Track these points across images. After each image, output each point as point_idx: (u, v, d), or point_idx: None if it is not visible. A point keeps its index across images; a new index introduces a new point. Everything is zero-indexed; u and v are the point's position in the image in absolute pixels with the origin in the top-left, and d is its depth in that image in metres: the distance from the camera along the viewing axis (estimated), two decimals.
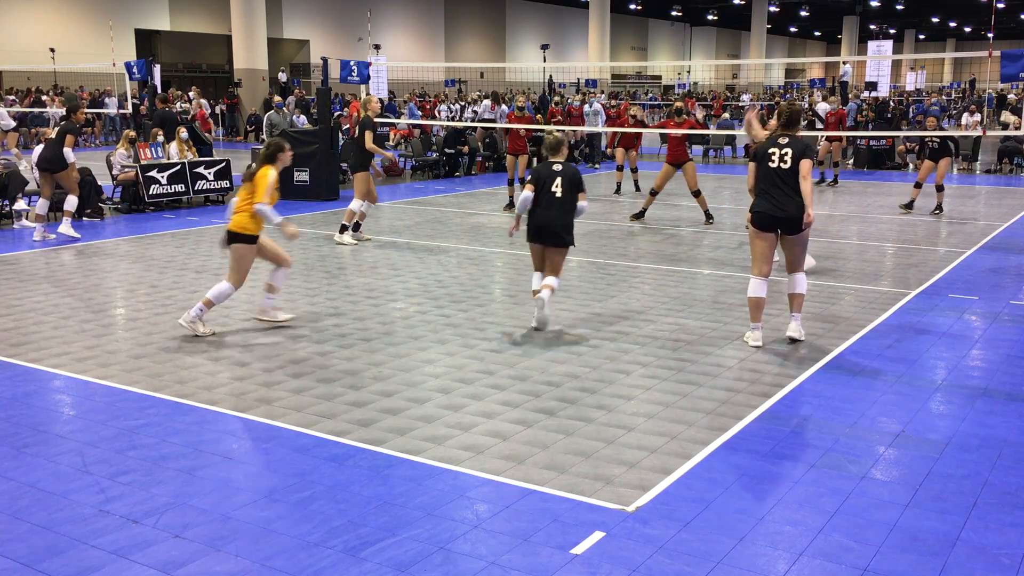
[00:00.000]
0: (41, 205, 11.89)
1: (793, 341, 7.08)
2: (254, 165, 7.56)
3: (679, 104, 14.03)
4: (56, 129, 11.62)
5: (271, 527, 4.16)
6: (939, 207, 14.32)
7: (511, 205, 14.72)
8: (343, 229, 11.56)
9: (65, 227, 11.87)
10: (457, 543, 4.01)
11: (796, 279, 7.08)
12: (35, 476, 4.72)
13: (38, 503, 4.42)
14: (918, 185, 14.66)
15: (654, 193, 13.60)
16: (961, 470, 4.80)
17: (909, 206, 14.54)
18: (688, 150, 13.76)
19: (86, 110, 28.05)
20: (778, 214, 6.88)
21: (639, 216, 13.74)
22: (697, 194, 13.34)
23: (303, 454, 4.98)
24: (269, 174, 7.41)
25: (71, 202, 11.94)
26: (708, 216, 13.51)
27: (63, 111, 12.87)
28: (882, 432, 5.32)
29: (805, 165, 6.86)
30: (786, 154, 6.92)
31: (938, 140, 14.56)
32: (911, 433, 5.31)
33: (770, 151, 7.00)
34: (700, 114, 13.69)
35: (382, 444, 5.09)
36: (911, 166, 22.02)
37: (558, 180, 7.44)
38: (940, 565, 3.86)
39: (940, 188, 14.43)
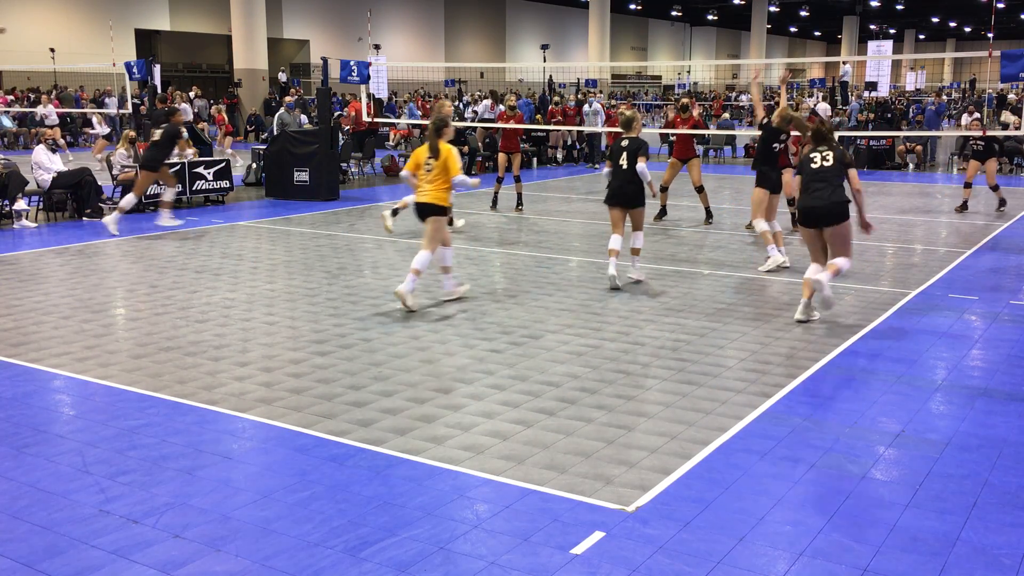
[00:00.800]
0: (169, 193, 13.04)
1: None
2: (425, 145, 8.30)
3: (685, 100, 14.05)
4: (160, 132, 12.52)
5: (271, 527, 4.16)
6: (1002, 202, 14.63)
7: (495, 204, 14.72)
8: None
9: (165, 219, 12.89)
10: (457, 543, 4.01)
11: (834, 263, 7.65)
12: (35, 476, 4.72)
13: (38, 503, 4.42)
14: (967, 185, 14.84)
15: (664, 189, 13.59)
16: (961, 470, 4.80)
17: (963, 207, 14.62)
18: (695, 147, 13.78)
19: (86, 110, 28.20)
20: (815, 203, 7.57)
21: (661, 215, 13.66)
22: (700, 190, 13.43)
23: (303, 454, 4.98)
24: (452, 149, 8.17)
25: (170, 194, 12.97)
26: (708, 214, 13.55)
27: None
28: (882, 432, 5.32)
29: (852, 174, 7.68)
30: (827, 156, 7.68)
31: (982, 142, 14.71)
32: (911, 433, 5.31)
33: (811, 156, 7.79)
34: (696, 111, 13.75)
35: (382, 444, 5.09)
36: (911, 166, 22.03)
37: (624, 154, 8.82)
38: (940, 565, 3.86)
39: (995, 188, 14.68)
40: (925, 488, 4.59)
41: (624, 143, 8.91)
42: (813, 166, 7.67)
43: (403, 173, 8.52)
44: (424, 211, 8.17)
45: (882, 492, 4.54)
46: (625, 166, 8.79)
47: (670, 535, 4.08)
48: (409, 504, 4.38)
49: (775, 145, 10.24)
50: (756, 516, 4.27)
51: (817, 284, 7.47)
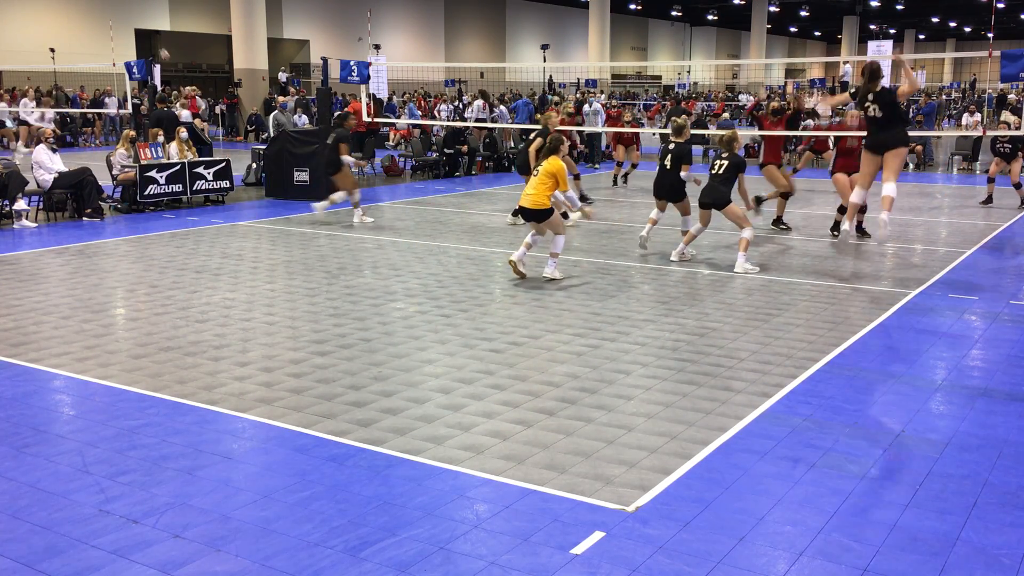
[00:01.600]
0: (340, 195, 13.39)
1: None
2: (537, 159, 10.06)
3: (776, 104, 13.38)
4: (332, 137, 13.23)
5: (271, 527, 4.17)
6: None
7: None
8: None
9: (320, 209, 13.42)
10: (457, 543, 4.01)
11: (886, 187, 9.26)
12: (35, 476, 4.72)
13: (38, 503, 4.42)
14: (991, 180, 15.44)
15: (786, 196, 12.65)
16: (961, 470, 4.80)
17: (988, 200, 15.21)
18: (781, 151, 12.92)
19: (85, 110, 28.20)
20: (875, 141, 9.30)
21: (779, 223, 12.72)
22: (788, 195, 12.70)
23: (303, 454, 4.98)
24: (561, 166, 9.37)
25: (340, 195, 13.36)
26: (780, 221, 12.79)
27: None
28: (882, 432, 5.32)
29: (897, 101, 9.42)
30: (875, 107, 9.20)
31: (1009, 144, 15.00)
32: (911, 433, 5.31)
33: (866, 105, 9.28)
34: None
35: (382, 444, 5.09)
36: (911, 166, 22.02)
37: (669, 156, 10.48)
38: (940, 565, 3.86)
39: (1018, 186, 15.12)
40: (925, 488, 4.59)
41: (671, 146, 10.52)
42: (869, 114, 9.32)
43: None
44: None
45: (882, 492, 4.54)
46: (668, 166, 10.44)
47: (670, 535, 4.09)
48: (409, 504, 4.38)
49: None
50: (756, 516, 4.27)
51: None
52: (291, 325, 7.61)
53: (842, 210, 11.95)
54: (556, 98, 24.64)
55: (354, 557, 3.90)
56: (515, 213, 13.20)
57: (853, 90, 10.47)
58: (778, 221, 12.72)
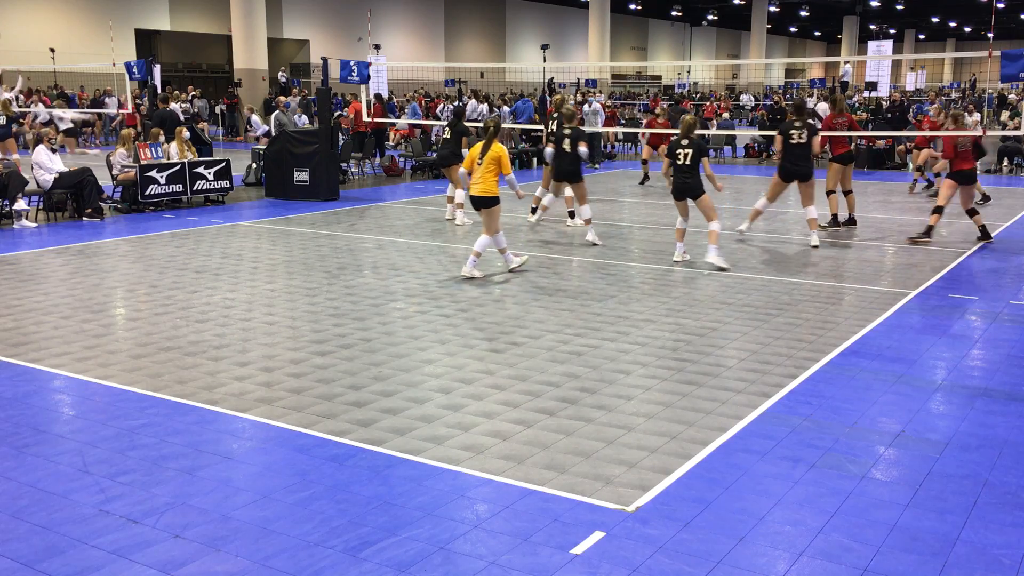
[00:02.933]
0: (459, 195, 13.19)
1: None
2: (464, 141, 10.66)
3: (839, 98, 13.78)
4: (449, 131, 13.38)
5: (271, 527, 4.17)
6: None
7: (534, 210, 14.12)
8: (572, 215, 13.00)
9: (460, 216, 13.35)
10: (457, 543, 4.01)
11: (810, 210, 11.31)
12: (35, 476, 4.72)
13: (38, 503, 4.42)
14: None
15: (848, 193, 12.93)
16: (961, 470, 4.80)
17: (985, 198, 15.51)
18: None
19: (86, 110, 28.20)
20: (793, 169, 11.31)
21: (847, 222, 12.95)
22: (849, 192, 12.95)
23: (303, 454, 4.98)
24: (504, 149, 9.40)
25: (460, 195, 13.17)
26: (836, 221, 12.85)
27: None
28: (882, 432, 5.32)
29: (816, 141, 11.43)
30: (803, 133, 11.19)
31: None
32: (911, 433, 5.31)
33: (791, 132, 11.20)
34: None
35: (382, 444, 5.09)
36: (910, 166, 22.01)
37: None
38: (940, 565, 3.86)
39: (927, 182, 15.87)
40: (925, 488, 4.59)
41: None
42: (792, 141, 11.17)
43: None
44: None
45: (882, 492, 4.54)
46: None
47: (670, 535, 4.09)
48: (409, 504, 4.38)
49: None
50: (756, 516, 4.27)
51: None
52: (291, 325, 7.61)
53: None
54: (557, 97, 24.61)
55: (354, 557, 3.90)
56: (533, 211, 13.45)
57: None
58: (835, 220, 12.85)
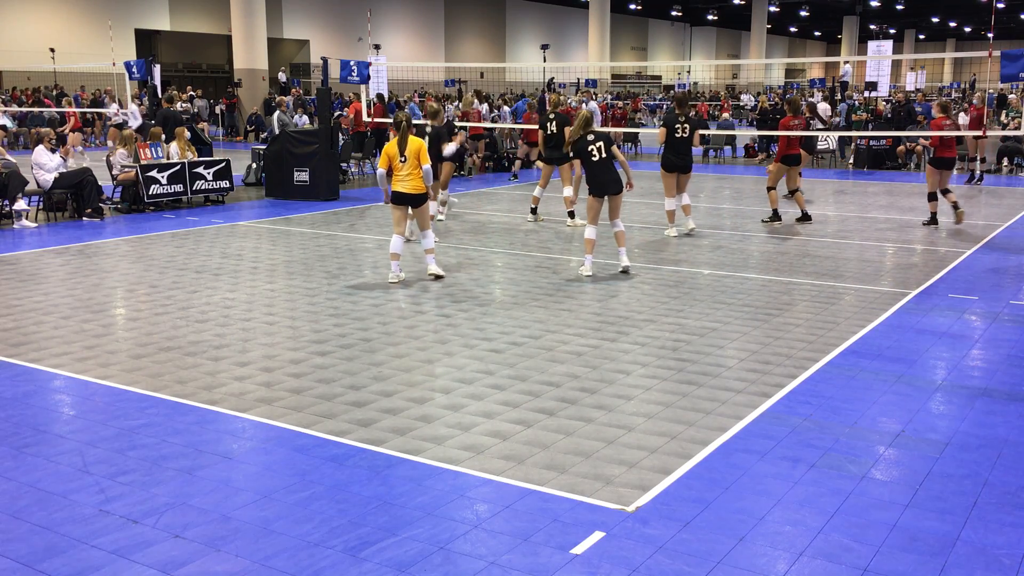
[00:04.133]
0: (568, 191, 13.09)
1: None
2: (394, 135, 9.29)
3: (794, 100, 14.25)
4: (554, 126, 12.93)
5: (271, 527, 4.17)
6: None
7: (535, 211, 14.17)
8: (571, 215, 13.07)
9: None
10: (457, 543, 4.01)
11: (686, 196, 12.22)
12: (35, 476, 4.72)
13: (38, 503, 4.42)
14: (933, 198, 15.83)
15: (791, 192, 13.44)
16: (961, 470, 4.80)
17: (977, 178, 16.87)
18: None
19: (86, 110, 28.19)
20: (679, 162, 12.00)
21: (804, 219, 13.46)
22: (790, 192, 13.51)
23: (303, 454, 4.98)
24: (423, 143, 9.17)
25: (569, 191, 13.11)
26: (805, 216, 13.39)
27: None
28: (882, 432, 5.32)
29: (696, 136, 12.10)
30: (686, 127, 11.81)
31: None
32: (911, 433, 5.32)
33: (675, 125, 11.82)
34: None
35: (382, 444, 5.09)
36: (911, 166, 22.02)
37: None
38: (940, 565, 3.86)
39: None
40: (925, 488, 4.59)
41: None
42: (676, 135, 11.82)
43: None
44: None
45: (882, 492, 4.54)
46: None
47: (670, 535, 4.09)
48: (409, 504, 4.38)
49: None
50: (756, 516, 4.27)
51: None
52: (291, 325, 7.61)
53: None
54: (555, 96, 24.60)
55: (354, 557, 3.90)
56: (533, 211, 13.48)
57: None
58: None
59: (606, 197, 9.54)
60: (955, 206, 13.05)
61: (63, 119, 25.33)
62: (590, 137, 9.50)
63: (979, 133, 17.00)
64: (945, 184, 13.14)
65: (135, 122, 19.62)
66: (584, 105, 22.93)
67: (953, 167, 13.35)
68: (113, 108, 24.18)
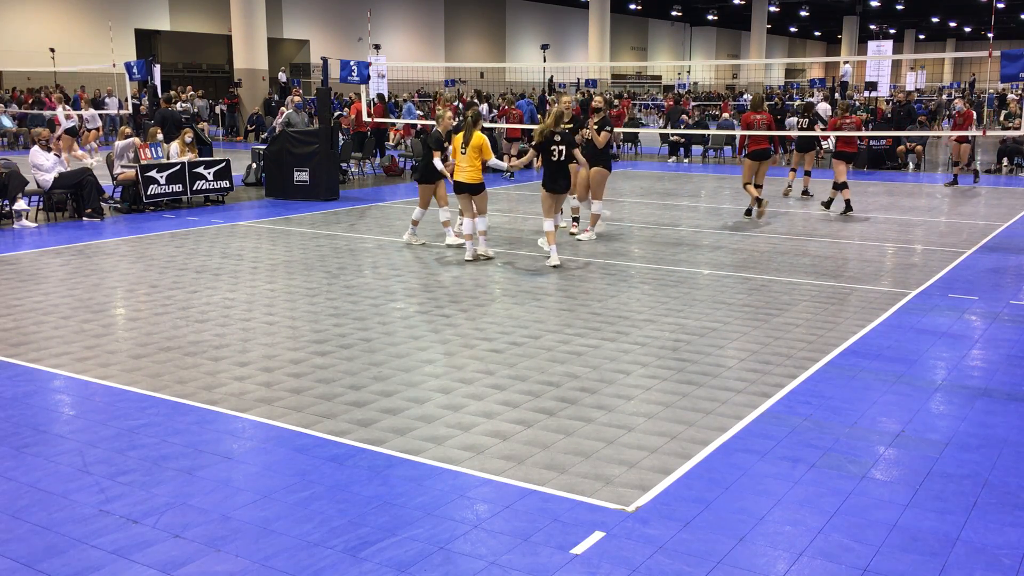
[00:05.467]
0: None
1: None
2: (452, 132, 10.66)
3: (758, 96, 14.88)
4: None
5: (271, 527, 4.17)
6: None
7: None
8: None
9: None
10: (457, 543, 4.01)
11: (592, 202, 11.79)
12: (35, 476, 4.72)
13: (38, 503, 4.42)
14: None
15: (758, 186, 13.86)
16: (961, 470, 4.80)
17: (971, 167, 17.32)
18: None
19: (87, 110, 28.17)
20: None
21: (749, 212, 14.05)
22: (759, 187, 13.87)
23: (303, 454, 4.98)
24: (485, 137, 10.21)
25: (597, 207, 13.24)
26: (759, 203, 13.71)
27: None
28: (882, 432, 5.32)
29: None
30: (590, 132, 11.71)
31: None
32: (911, 433, 5.32)
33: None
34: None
35: (382, 444, 5.09)
36: (911, 166, 22.02)
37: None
38: (940, 565, 3.86)
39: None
40: (925, 488, 4.59)
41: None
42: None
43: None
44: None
45: (882, 492, 4.54)
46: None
47: (670, 535, 4.09)
48: (409, 504, 4.38)
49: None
50: (756, 516, 4.27)
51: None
52: (291, 325, 7.61)
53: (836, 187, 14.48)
54: (554, 97, 24.63)
55: (354, 557, 3.90)
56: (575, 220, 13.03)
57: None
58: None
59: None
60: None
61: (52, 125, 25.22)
62: (556, 137, 9.98)
63: (962, 134, 18.06)
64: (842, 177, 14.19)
65: (95, 123, 19.57)
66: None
67: (852, 160, 14.67)
68: (61, 110, 23.46)
